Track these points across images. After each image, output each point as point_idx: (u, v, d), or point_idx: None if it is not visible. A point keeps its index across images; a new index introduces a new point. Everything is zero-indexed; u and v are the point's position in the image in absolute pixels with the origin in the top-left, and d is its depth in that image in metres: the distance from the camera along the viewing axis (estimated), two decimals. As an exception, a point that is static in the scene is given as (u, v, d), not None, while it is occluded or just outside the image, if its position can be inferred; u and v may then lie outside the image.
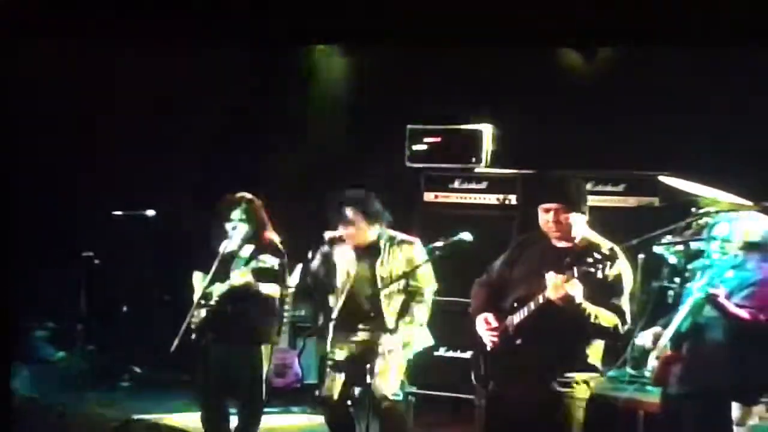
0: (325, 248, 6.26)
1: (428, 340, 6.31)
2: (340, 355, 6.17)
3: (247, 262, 6.47)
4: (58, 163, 8.76)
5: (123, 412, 7.11)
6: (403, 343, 6.06)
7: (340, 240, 6.19)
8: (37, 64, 8.57)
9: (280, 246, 6.58)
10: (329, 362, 6.18)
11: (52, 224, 8.62)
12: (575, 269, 4.79)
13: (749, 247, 5.13)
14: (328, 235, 6.20)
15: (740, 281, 5.08)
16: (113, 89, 8.84)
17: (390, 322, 6.03)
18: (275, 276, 6.51)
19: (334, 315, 6.19)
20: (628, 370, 6.67)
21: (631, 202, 7.76)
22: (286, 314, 8.07)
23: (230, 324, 6.48)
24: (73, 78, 8.75)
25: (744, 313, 5.01)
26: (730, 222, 5.25)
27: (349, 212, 6.12)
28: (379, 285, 6.06)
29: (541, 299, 4.92)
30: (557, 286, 4.81)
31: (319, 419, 7.72)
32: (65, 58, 8.73)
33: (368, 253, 6.17)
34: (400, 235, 6.25)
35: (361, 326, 6.10)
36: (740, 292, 5.06)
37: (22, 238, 8.48)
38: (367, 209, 6.16)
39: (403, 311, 6.10)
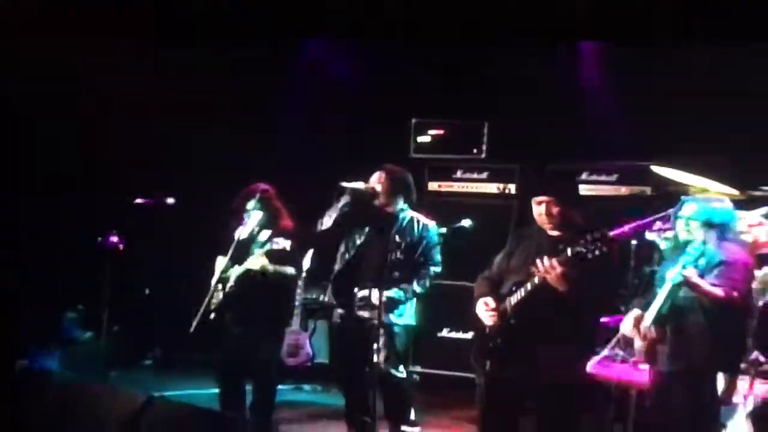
0: (343, 203, 6.29)
1: (411, 320, 6.38)
2: (343, 330, 6.34)
3: (263, 245, 6.69)
4: (85, 156, 9.00)
5: (145, 390, 7.33)
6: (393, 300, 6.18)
7: (360, 197, 6.25)
8: (53, 51, 8.70)
9: (293, 231, 6.80)
10: (336, 332, 6.38)
11: (79, 214, 8.82)
12: (568, 250, 5.05)
13: (710, 226, 5.38)
14: (348, 185, 6.27)
15: (708, 260, 5.30)
16: (135, 80, 9.04)
17: (389, 289, 6.10)
18: (288, 258, 6.75)
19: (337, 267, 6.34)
20: (618, 351, 7.02)
21: (623, 191, 7.99)
22: (298, 297, 8.41)
23: (247, 305, 6.70)
24: (94, 68, 8.93)
25: (719, 291, 5.23)
26: (696, 203, 5.49)
27: (378, 173, 6.30)
28: (390, 252, 6.12)
29: (536, 280, 5.16)
30: (551, 267, 5.07)
31: (329, 396, 8.08)
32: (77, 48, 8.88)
33: (385, 220, 6.24)
34: (418, 216, 6.36)
35: (360, 294, 6.20)
36: (711, 272, 5.27)
37: (52, 228, 8.81)
38: (397, 175, 6.33)
39: (404, 281, 6.20)
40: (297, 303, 8.42)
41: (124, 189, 8.35)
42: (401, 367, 6.26)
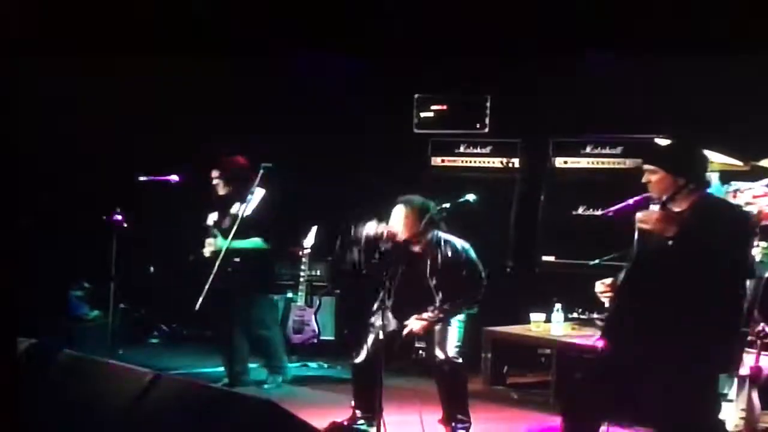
0: (372, 243, 6.27)
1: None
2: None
3: (233, 221, 7.11)
4: (90, 136, 9.04)
5: (152, 368, 7.36)
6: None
7: (388, 236, 6.22)
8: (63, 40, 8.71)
9: (262, 203, 7.20)
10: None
11: (84, 192, 8.88)
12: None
13: None
14: (374, 230, 6.27)
15: None
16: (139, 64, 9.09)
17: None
18: (251, 232, 7.20)
19: (387, 303, 6.23)
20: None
21: (628, 164, 7.95)
22: (302, 273, 8.46)
23: (226, 278, 7.08)
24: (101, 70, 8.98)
25: None
26: None
27: (400, 208, 6.21)
28: (430, 281, 6.16)
29: (636, 234, 4.79)
30: (648, 214, 4.73)
31: (335, 372, 8.12)
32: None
33: (418, 256, 6.22)
34: (451, 237, 6.27)
35: (415, 316, 6.20)
36: None
37: (58, 207, 8.85)
38: (416, 205, 6.23)
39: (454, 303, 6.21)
40: (302, 279, 8.46)
41: (129, 167, 8.41)
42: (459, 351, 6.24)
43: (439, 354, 6.15)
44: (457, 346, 6.20)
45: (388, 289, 6.21)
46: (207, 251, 7.39)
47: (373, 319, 6.22)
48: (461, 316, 6.30)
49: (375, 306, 6.23)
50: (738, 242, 4.78)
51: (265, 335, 7.60)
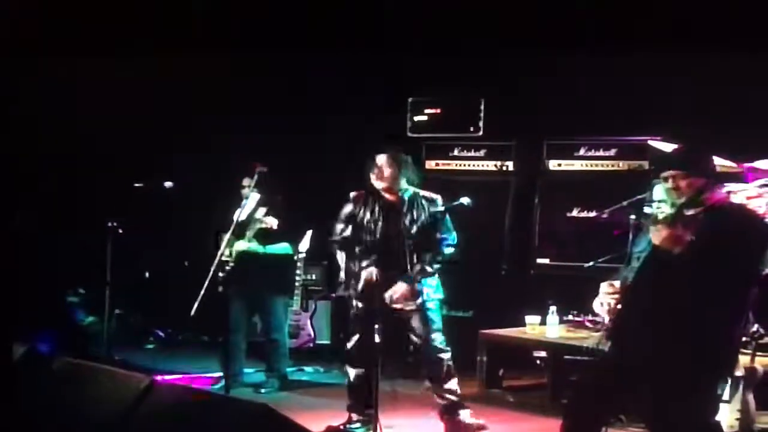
0: (351, 207, 6.33)
1: (441, 294, 6.37)
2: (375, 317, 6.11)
3: (253, 225, 7.23)
4: (86, 142, 9.06)
5: (148, 373, 7.37)
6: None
7: (368, 196, 6.29)
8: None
9: (282, 208, 7.31)
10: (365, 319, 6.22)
11: (79, 198, 8.92)
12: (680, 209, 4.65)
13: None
14: (353, 194, 6.35)
15: None
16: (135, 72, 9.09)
17: (416, 268, 6.14)
18: (279, 237, 7.37)
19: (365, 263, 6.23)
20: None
21: (622, 165, 8.02)
22: (297, 278, 8.47)
23: (244, 282, 7.21)
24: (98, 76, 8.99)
25: None
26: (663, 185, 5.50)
27: (382, 158, 6.24)
28: (406, 235, 6.13)
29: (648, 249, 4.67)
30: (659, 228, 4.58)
31: (331, 377, 8.13)
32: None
33: (395, 207, 6.25)
34: (423, 192, 6.33)
35: (390, 271, 6.17)
36: None
37: (53, 214, 8.85)
38: (398, 158, 6.27)
39: (427, 258, 6.19)
40: (297, 283, 8.45)
41: (124, 174, 8.42)
42: (444, 340, 6.28)
43: (423, 341, 6.19)
44: (442, 338, 6.23)
45: (366, 242, 6.22)
46: (227, 252, 7.25)
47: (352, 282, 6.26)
48: (438, 295, 6.26)
49: (354, 264, 6.27)
50: (749, 250, 4.63)
51: (278, 338, 7.69)
